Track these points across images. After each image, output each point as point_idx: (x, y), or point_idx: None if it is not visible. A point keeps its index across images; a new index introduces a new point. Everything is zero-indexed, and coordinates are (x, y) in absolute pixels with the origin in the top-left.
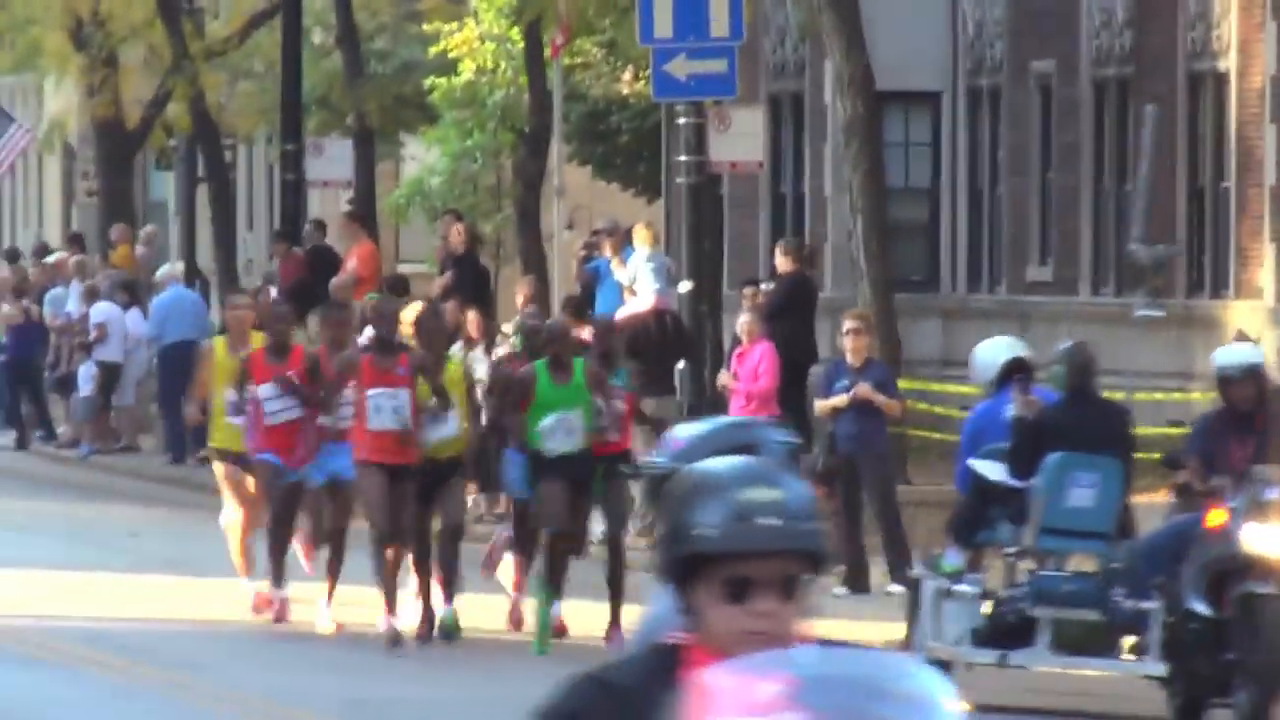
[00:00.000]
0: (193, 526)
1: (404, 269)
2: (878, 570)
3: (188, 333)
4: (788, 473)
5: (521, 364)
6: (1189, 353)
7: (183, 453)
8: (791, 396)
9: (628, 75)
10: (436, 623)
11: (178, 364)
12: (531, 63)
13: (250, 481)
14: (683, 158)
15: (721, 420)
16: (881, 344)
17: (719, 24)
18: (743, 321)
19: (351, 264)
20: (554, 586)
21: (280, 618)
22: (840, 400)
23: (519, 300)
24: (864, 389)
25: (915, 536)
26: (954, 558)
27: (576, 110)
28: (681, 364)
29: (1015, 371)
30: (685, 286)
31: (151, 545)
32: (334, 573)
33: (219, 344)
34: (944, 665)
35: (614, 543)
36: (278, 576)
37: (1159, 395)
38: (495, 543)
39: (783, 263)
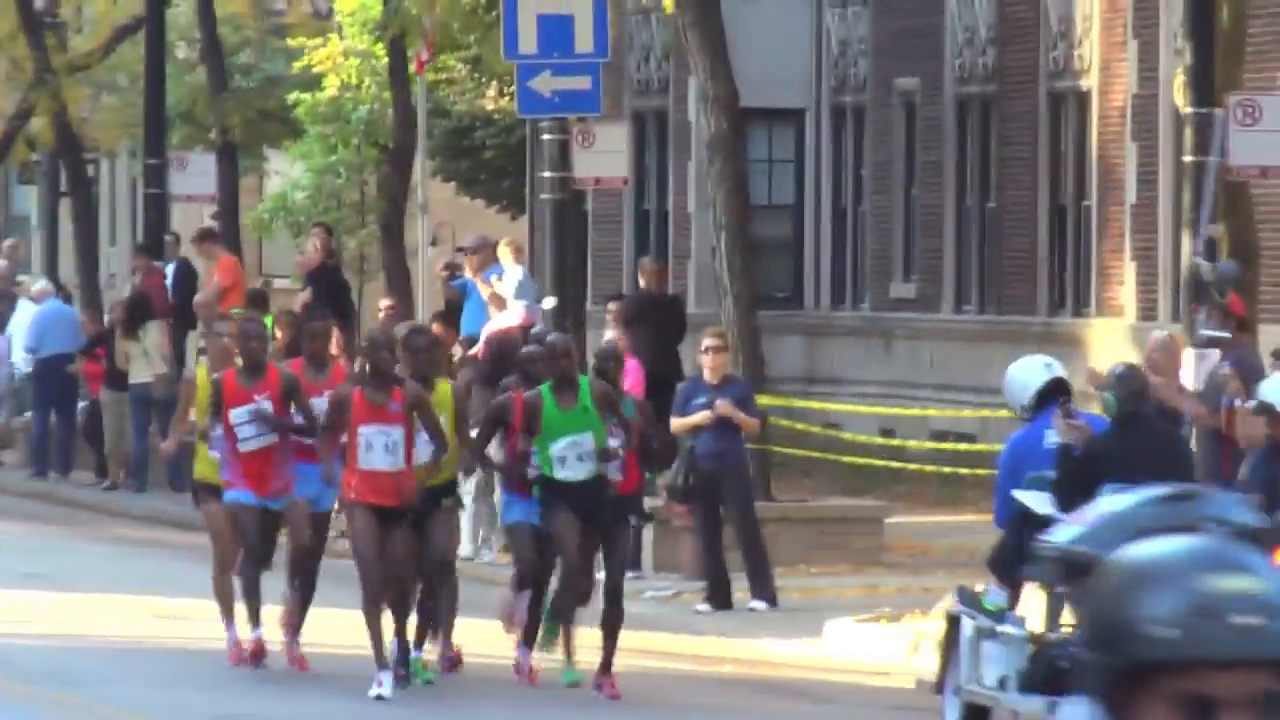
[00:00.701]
0: (53, 541)
1: (268, 282)
2: (739, 586)
3: (63, 346)
4: (1260, 557)
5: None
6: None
7: (45, 467)
8: (656, 412)
9: (492, 91)
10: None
11: (52, 377)
12: (396, 78)
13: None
14: (547, 174)
15: (1150, 493)
16: (745, 361)
17: (584, 41)
18: (609, 337)
19: (216, 278)
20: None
21: (257, 655)
22: (699, 418)
23: (381, 315)
24: (723, 406)
25: (778, 553)
26: (996, 595)
27: (441, 126)
28: None
29: (1054, 394)
30: (550, 302)
31: (10, 559)
32: (303, 605)
33: (200, 372)
34: (982, 710)
35: (614, 591)
36: (254, 618)
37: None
38: (510, 604)
39: (642, 279)
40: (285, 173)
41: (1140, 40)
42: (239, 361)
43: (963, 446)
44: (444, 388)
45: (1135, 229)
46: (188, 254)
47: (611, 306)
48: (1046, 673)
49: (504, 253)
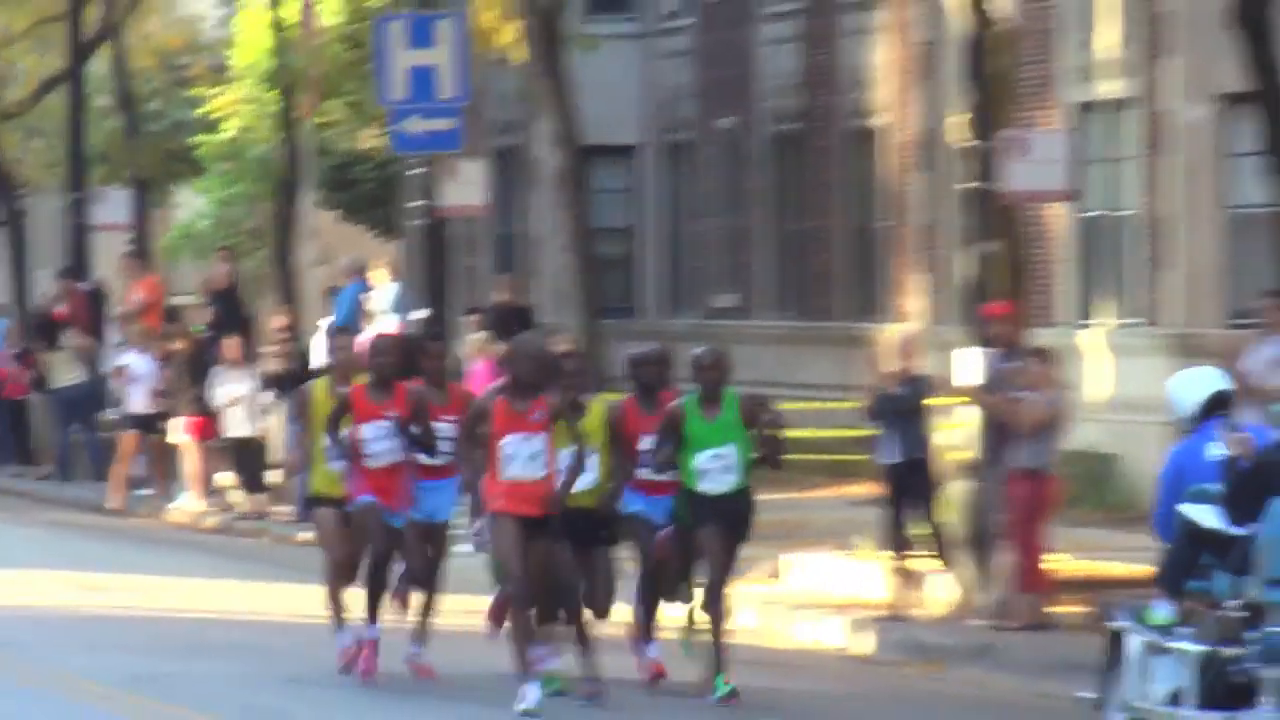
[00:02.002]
0: None
1: (175, 300)
2: None
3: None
4: None
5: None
6: (848, 368)
7: None
8: None
9: (369, 132)
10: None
11: None
12: (285, 122)
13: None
14: (417, 203)
15: None
16: (590, 364)
17: (447, 88)
18: (470, 339)
19: (138, 294)
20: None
21: (368, 667)
22: None
23: (273, 327)
24: None
25: None
26: (1164, 609)
27: (325, 162)
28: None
29: (1219, 406)
30: (421, 314)
31: None
32: (426, 612)
33: (320, 386)
34: None
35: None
36: (373, 617)
37: (830, 404)
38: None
39: (499, 293)
40: (191, 205)
41: (925, 85)
42: (361, 377)
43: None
44: (597, 408)
45: (922, 247)
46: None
47: (473, 317)
48: (1223, 687)
49: (381, 272)
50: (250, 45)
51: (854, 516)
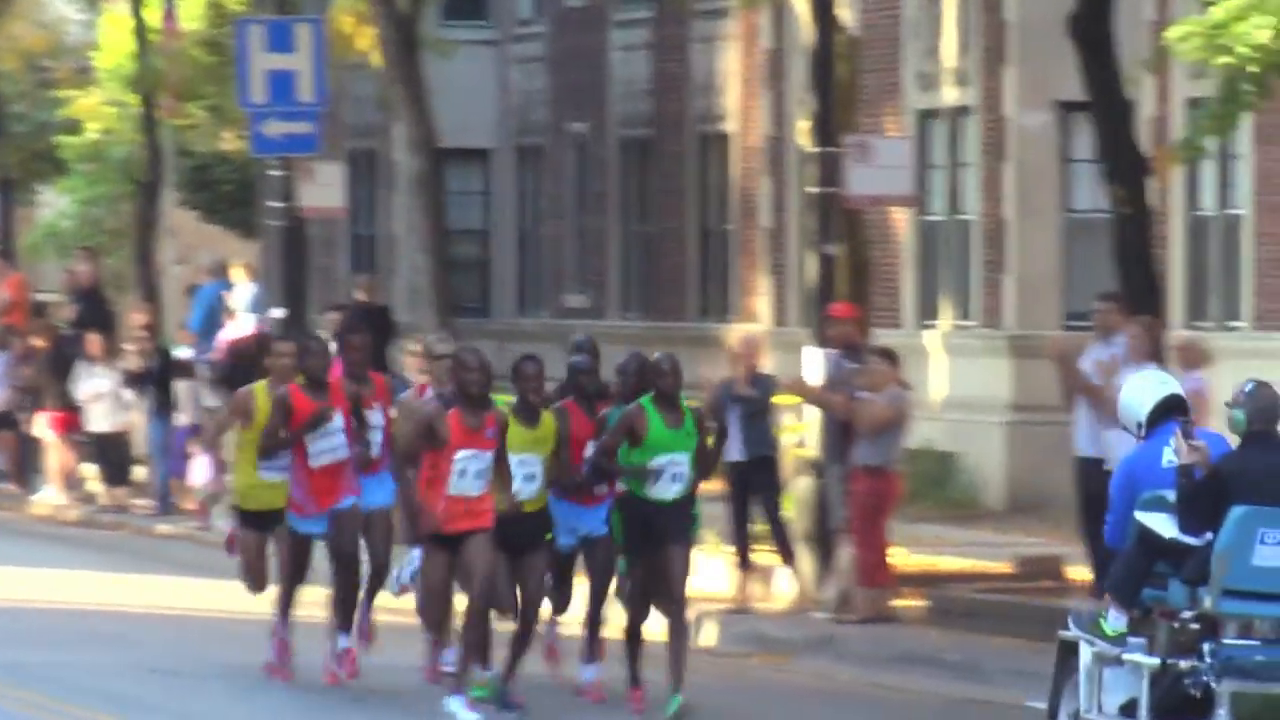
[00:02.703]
0: None
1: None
2: None
3: None
4: None
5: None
6: (698, 368)
7: None
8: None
9: (229, 134)
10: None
11: None
12: (147, 124)
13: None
14: (276, 204)
15: None
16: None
17: (305, 92)
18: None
19: (3, 292)
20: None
21: (352, 670)
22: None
23: (134, 325)
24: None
25: None
26: (1117, 619)
27: (186, 164)
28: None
29: (1171, 411)
30: (279, 313)
31: None
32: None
33: (260, 390)
34: None
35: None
36: (346, 623)
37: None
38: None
39: (357, 294)
40: (54, 204)
41: (772, 91)
42: (299, 379)
43: None
44: (548, 419)
45: (769, 249)
46: None
47: (331, 316)
48: (1177, 700)
49: (239, 272)
50: (113, 49)
51: (700, 512)
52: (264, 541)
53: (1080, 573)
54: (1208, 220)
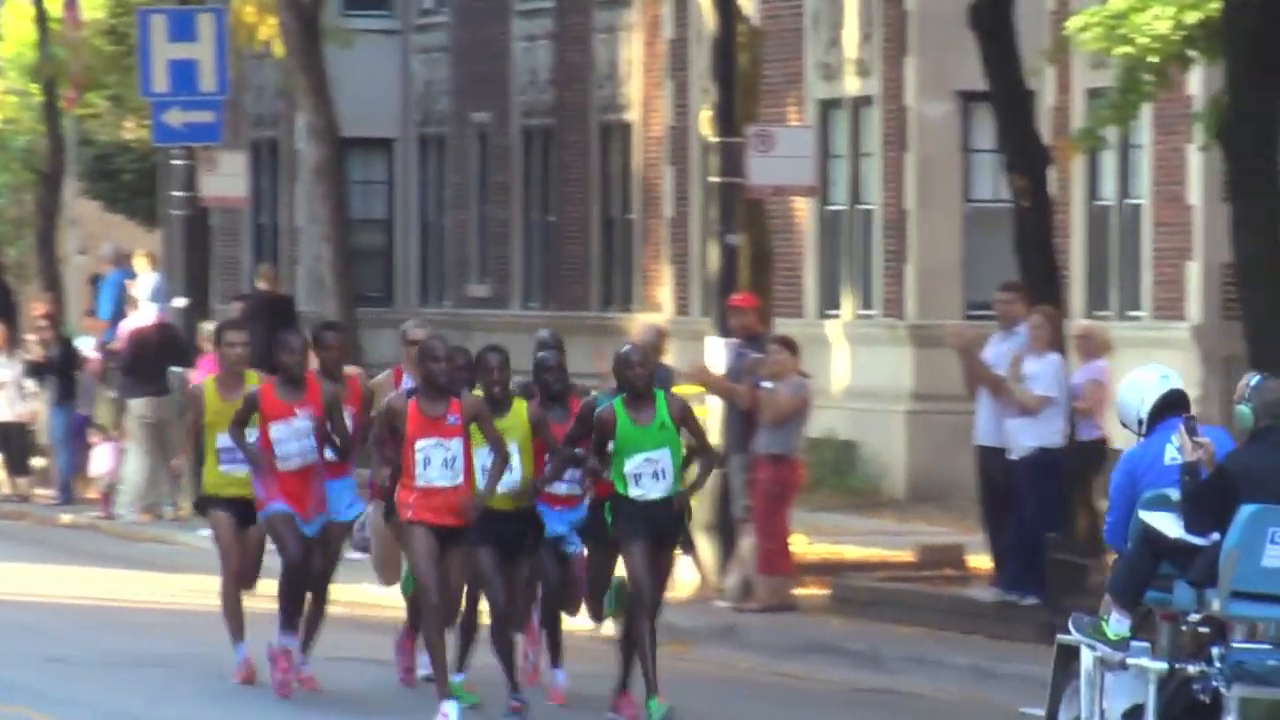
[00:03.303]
0: None
1: None
2: None
3: None
4: None
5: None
6: (598, 356)
7: None
8: None
9: (131, 123)
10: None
11: None
12: (49, 113)
13: (250, 535)
14: (178, 193)
15: None
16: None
17: (207, 81)
18: (202, 328)
19: None
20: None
21: (284, 678)
22: None
23: (36, 315)
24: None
25: None
26: (1120, 623)
27: (87, 153)
28: (176, 369)
29: (1172, 407)
30: (181, 302)
31: None
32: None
33: (209, 386)
34: None
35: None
36: (289, 625)
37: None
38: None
39: (259, 282)
40: None
41: (674, 81)
42: (249, 376)
43: None
44: (520, 406)
45: (672, 239)
46: None
47: (237, 304)
48: (1184, 706)
49: (140, 261)
50: (15, 38)
51: (688, 511)
52: (235, 522)
53: (982, 561)
54: (1108, 210)
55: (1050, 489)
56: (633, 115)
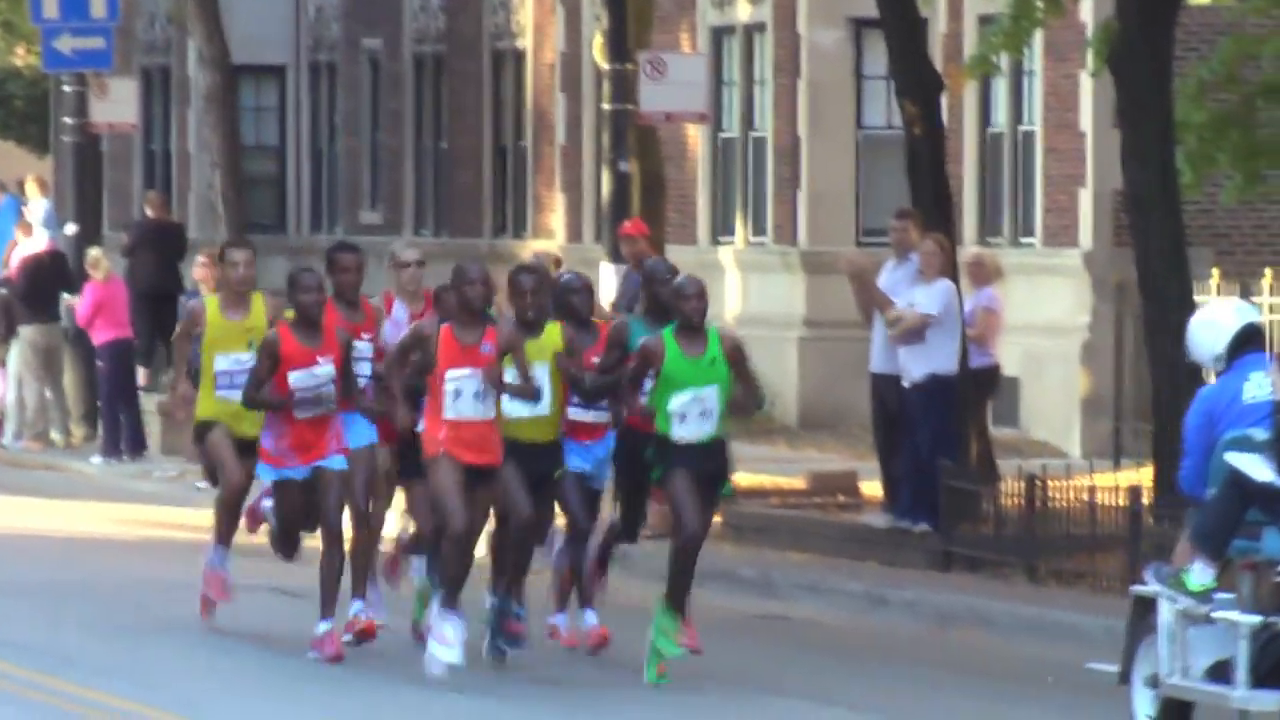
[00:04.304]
0: None
1: None
2: None
3: None
4: None
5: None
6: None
7: None
8: (150, 322)
9: (21, 50)
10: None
11: None
12: None
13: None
14: (68, 120)
15: None
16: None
17: (98, 7)
18: (90, 254)
19: None
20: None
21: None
22: None
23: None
24: None
25: None
26: (1204, 573)
27: None
28: (65, 295)
29: (1249, 341)
30: (71, 229)
31: None
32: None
33: (212, 304)
34: (1185, 706)
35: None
36: (327, 608)
37: None
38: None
39: (148, 210)
40: None
41: (566, 7)
42: (255, 298)
43: None
44: (554, 330)
45: (564, 166)
46: None
47: (126, 232)
48: (1273, 661)
49: (31, 187)
50: None
51: (732, 456)
52: (230, 436)
53: (874, 488)
54: (1000, 137)
55: (943, 416)
56: (525, 42)
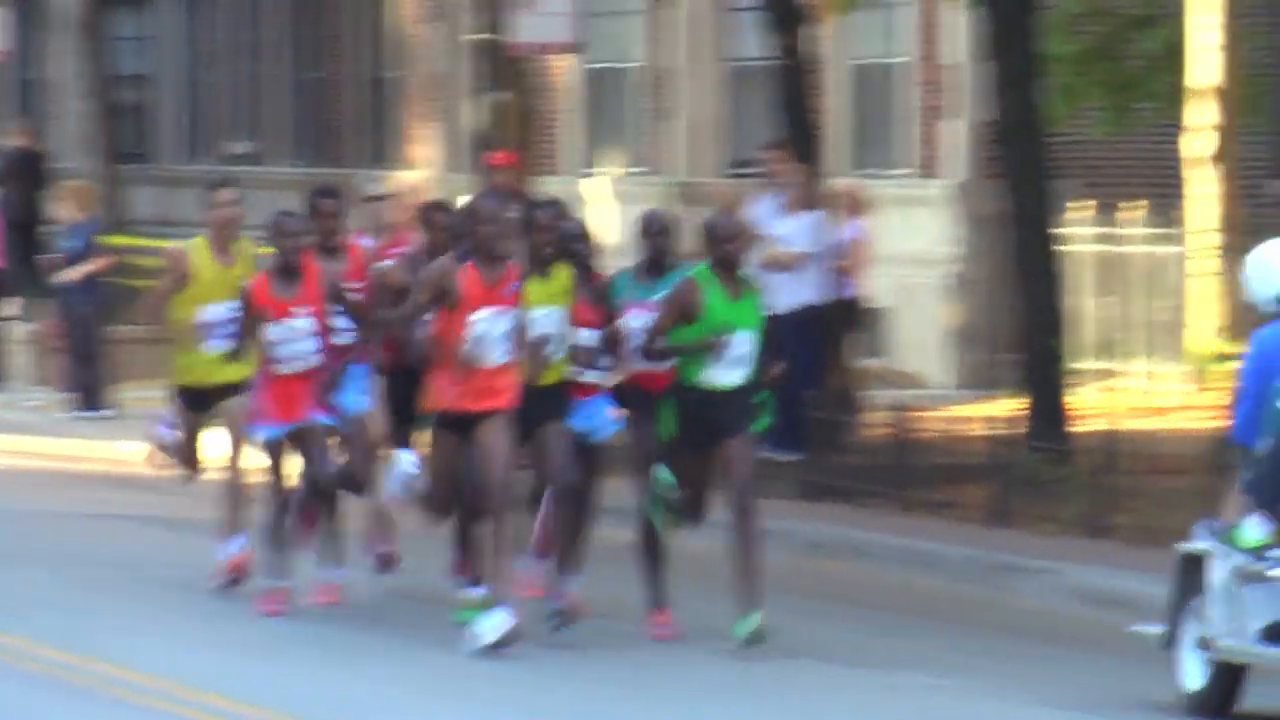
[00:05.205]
0: None
1: None
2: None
3: None
4: None
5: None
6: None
7: None
8: (21, 250)
9: None
10: None
11: None
12: None
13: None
14: None
15: None
16: (106, 207)
17: None
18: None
19: None
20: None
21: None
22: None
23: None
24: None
25: (132, 371)
26: (1259, 528)
27: None
28: None
29: None
30: None
31: None
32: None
33: (201, 248)
34: (1237, 670)
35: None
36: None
37: None
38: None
39: (14, 139)
40: None
41: None
42: (243, 243)
43: None
44: (564, 273)
45: (433, 97)
46: None
47: None
48: None
49: None
50: None
51: (768, 400)
52: (200, 422)
53: None
54: (870, 68)
55: (812, 346)
56: None
